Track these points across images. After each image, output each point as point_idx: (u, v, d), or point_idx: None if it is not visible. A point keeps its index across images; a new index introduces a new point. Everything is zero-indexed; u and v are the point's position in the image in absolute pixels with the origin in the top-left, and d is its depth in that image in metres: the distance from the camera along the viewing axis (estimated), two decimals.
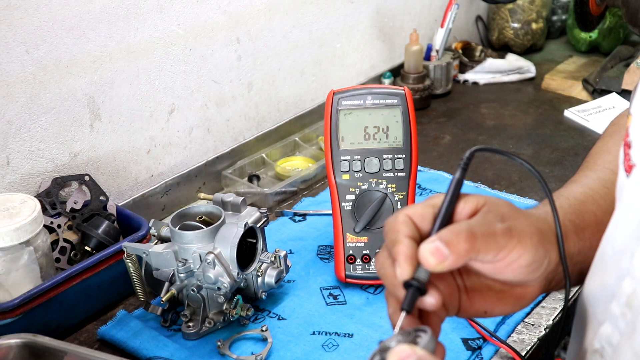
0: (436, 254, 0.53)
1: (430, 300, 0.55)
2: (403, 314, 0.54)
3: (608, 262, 0.57)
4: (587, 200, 0.65)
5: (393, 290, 0.57)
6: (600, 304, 0.58)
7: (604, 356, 0.57)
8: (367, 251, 1.00)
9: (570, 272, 0.60)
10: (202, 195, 1.03)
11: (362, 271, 1.01)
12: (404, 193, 1.00)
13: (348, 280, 1.01)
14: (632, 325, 0.53)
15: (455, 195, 0.58)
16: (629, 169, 0.55)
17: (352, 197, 1.00)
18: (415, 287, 0.54)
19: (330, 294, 1.01)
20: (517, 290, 0.60)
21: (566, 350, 0.68)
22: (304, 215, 1.21)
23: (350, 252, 1.01)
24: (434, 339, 0.52)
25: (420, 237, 0.57)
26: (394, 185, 1.00)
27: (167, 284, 0.93)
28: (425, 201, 0.59)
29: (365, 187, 1.00)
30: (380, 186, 1.00)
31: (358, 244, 1.01)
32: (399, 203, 1.00)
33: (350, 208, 1.00)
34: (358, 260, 1.01)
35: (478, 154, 0.59)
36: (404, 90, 1.00)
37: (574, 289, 0.90)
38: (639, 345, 0.52)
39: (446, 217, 0.57)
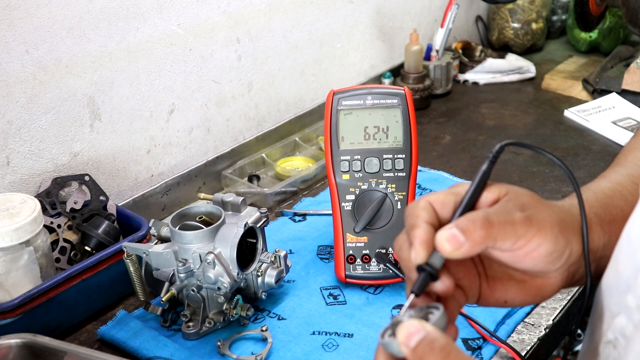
0: (452, 241, 0.53)
1: (440, 286, 0.56)
2: (412, 296, 0.55)
3: (625, 254, 0.57)
4: (614, 195, 0.65)
5: (408, 273, 0.58)
6: (615, 295, 0.58)
7: (617, 347, 0.57)
8: (367, 251, 1.00)
9: (594, 266, 0.60)
10: (202, 195, 1.03)
11: (362, 271, 1.01)
12: (404, 193, 1.00)
13: (348, 280, 1.01)
14: None
15: (480, 186, 0.59)
16: None
17: (352, 197, 1.00)
18: (427, 273, 0.55)
19: (330, 294, 1.01)
20: (538, 281, 0.60)
21: (569, 351, 0.68)
22: (304, 215, 1.21)
23: (350, 252, 1.01)
24: (446, 317, 0.53)
25: (439, 224, 0.57)
26: (394, 185, 1.00)
27: (167, 284, 0.93)
28: (448, 189, 0.60)
29: (365, 187, 1.00)
30: (380, 186, 1.00)
31: (358, 244, 1.00)
32: (399, 203, 1.00)
33: (350, 208, 1.00)
34: (358, 260, 1.01)
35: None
36: (403, 90, 1.00)
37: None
38: None
39: (468, 206, 0.57)
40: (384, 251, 1.00)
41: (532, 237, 0.55)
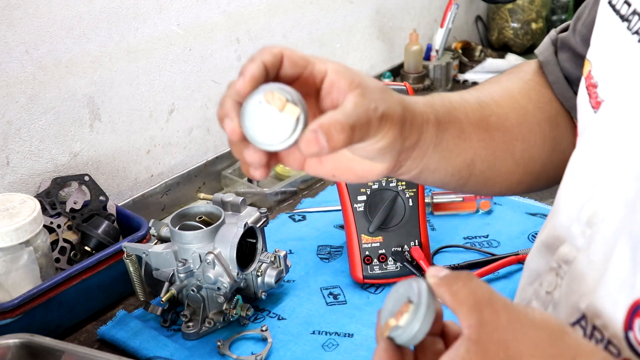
0: (313, 143, 0.52)
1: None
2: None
3: (569, 189, 0.61)
4: (458, 108, 0.67)
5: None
6: (560, 228, 0.62)
7: (559, 274, 0.60)
8: (384, 250, 1.00)
9: (419, 167, 0.64)
10: (202, 195, 1.03)
11: (380, 271, 1.00)
12: (414, 190, 1.00)
13: (366, 280, 1.00)
14: (590, 240, 0.57)
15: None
16: (596, 105, 0.58)
17: (364, 197, 1.00)
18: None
19: (331, 294, 1.01)
20: (366, 164, 0.61)
21: None
22: (303, 215, 1.21)
23: (367, 252, 1.00)
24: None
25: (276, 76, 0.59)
26: (403, 183, 1.00)
27: (167, 284, 0.93)
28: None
29: (375, 186, 1.00)
30: (391, 184, 1.00)
31: (374, 244, 1.00)
32: (410, 200, 1.00)
33: (362, 209, 1.00)
34: (375, 260, 1.00)
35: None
36: (404, 85, 1.00)
37: None
38: (594, 254, 0.55)
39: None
40: (400, 249, 1.00)
41: (381, 135, 0.56)
